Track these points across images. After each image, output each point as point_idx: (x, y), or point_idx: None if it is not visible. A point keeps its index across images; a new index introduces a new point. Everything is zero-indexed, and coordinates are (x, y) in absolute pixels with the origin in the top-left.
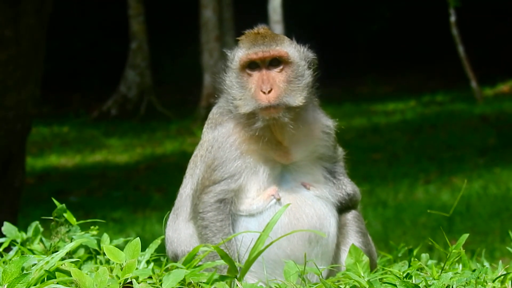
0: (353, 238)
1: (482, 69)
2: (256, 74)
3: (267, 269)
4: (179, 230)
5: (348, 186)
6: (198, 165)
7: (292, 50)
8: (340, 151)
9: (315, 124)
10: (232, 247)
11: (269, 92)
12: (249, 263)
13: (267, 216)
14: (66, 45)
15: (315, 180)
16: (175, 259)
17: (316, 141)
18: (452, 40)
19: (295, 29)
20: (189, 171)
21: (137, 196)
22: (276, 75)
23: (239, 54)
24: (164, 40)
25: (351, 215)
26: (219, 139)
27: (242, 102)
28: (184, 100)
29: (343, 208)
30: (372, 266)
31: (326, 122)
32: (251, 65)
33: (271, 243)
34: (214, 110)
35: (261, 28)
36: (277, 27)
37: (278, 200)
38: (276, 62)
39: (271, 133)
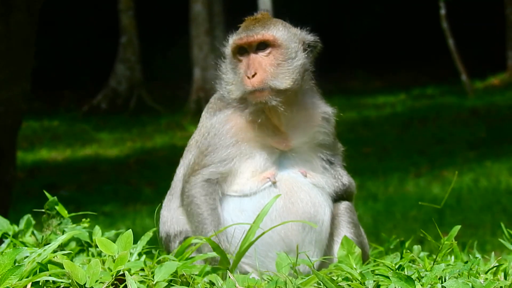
0: (345, 229)
1: (472, 62)
2: (245, 59)
3: (261, 252)
4: (174, 210)
5: (344, 177)
6: (192, 149)
7: (281, 33)
8: (340, 145)
9: (314, 110)
10: (223, 235)
11: (253, 76)
12: (241, 254)
13: (261, 197)
14: (56, 40)
15: (313, 169)
16: (168, 240)
17: (315, 127)
18: (442, 33)
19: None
20: (184, 153)
21: (127, 190)
22: (263, 59)
23: (231, 40)
24: (154, 34)
25: (343, 206)
26: (216, 126)
27: (233, 87)
28: (174, 94)
29: (337, 199)
30: (365, 258)
31: (325, 109)
32: (241, 50)
33: (263, 233)
34: (214, 96)
35: (260, 14)
36: None
37: (274, 183)
38: (263, 45)
39: (267, 118)
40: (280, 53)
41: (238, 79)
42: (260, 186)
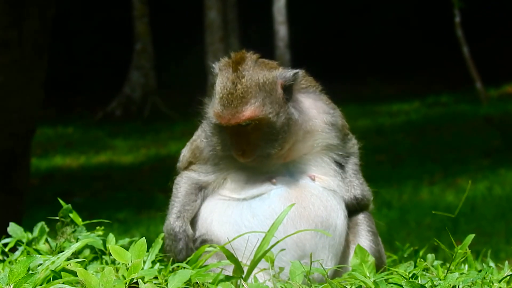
0: (363, 238)
1: (487, 70)
2: (230, 132)
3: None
4: None
5: (357, 189)
6: (188, 146)
7: (259, 106)
8: (353, 143)
9: (315, 119)
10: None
11: (243, 153)
12: (255, 262)
13: (263, 202)
14: (70, 47)
15: (323, 173)
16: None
17: (316, 135)
18: (456, 41)
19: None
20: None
21: (141, 197)
22: (247, 134)
23: (210, 109)
24: (169, 41)
25: (362, 215)
26: (205, 150)
27: (220, 147)
28: (188, 101)
29: (353, 207)
30: (381, 267)
31: (329, 111)
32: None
33: (278, 242)
34: None
35: (235, 76)
36: (281, 28)
37: (274, 183)
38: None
39: None
40: (263, 124)
41: (225, 145)
42: (264, 189)
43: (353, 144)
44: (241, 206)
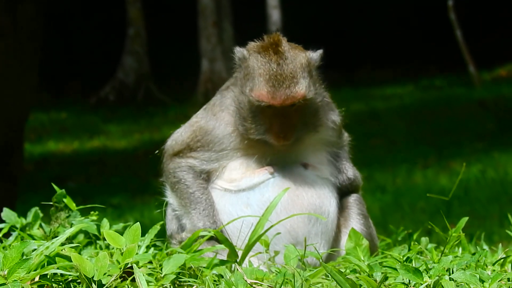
0: (354, 221)
1: (480, 53)
2: (271, 113)
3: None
4: None
5: (349, 170)
6: (188, 129)
7: (308, 88)
8: (346, 136)
9: (322, 121)
10: (217, 220)
11: (284, 136)
12: (249, 246)
13: (258, 191)
14: (63, 32)
15: (317, 162)
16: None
17: (318, 135)
18: (450, 24)
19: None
20: (182, 125)
21: (135, 182)
22: (291, 116)
23: (256, 89)
24: (162, 26)
25: (352, 198)
26: (213, 131)
27: (253, 131)
28: (182, 86)
29: (344, 191)
30: (373, 249)
31: (332, 116)
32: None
33: (271, 226)
34: (217, 100)
35: (277, 57)
36: (274, 13)
37: (272, 173)
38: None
39: None
40: (306, 106)
41: (260, 128)
42: (259, 179)
43: (346, 138)
44: (235, 196)
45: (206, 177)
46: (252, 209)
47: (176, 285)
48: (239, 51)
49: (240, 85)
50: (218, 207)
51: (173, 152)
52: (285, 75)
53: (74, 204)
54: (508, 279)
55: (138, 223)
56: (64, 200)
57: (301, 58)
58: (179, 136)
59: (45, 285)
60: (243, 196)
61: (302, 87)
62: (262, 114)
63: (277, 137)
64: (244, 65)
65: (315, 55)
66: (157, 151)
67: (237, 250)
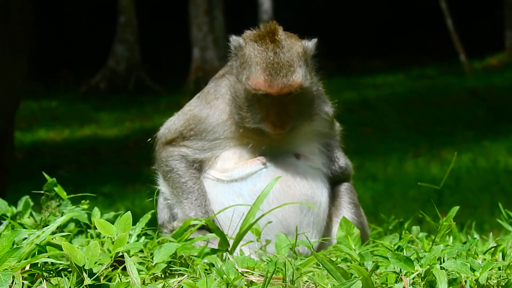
0: (345, 209)
1: (471, 42)
2: (267, 102)
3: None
4: None
5: (341, 159)
6: (181, 117)
7: (304, 77)
8: (337, 126)
9: (316, 111)
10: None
11: (281, 125)
12: (241, 235)
13: (257, 181)
14: (54, 20)
15: (309, 152)
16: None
17: (311, 126)
18: (441, 13)
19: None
20: (176, 114)
21: (126, 171)
22: (287, 105)
23: (253, 78)
24: (153, 14)
25: (343, 187)
26: (208, 120)
27: (249, 119)
28: (173, 75)
29: (335, 180)
30: (364, 238)
31: (325, 109)
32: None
33: (262, 215)
34: (211, 88)
35: (274, 46)
36: (266, 1)
37: (264, 164)
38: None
39: None
40: (302, 95)
41: (256, 116)
42: (252, 170)
43: (337, 128)
44: (227, 186)
45: (199, 166)
46: (244, 200)
47: (167, 274)
48: (235, 39)
49: (236, 74)
50: (210, 197)
51: (166, 140)
52: (282, 64)
53: (65, 193)
54: (499, 268)
55: (129, 212)
56: (55, 188)
57: (297, 47)
58: (172, 124)
59: (36, 274)
60: (235, 186)
61: (299, 76)
62: (259, 103)
63: (273, 126)
64: (240, 54)
65: (311, 44)
66: (149, 139)
67: (228, 239)
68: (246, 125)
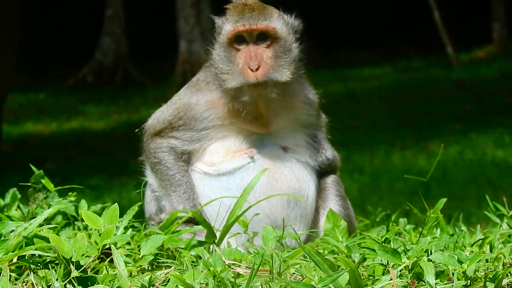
0: (332, 202)
1: (458, 34)
2: (243, 49)
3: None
4: None
5: (328, 151)
6: (170, 108)
7: (280, 24)
8: (323, 117)
9: (297, 96)
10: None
11: (257, 69)
12: (228, 227)
13: (245, 175)
14: (42, 12)
15: (296, 144)
16: (152, 219)
17: (296, 110)
18: (427, 5)
19: None
20: (164, 105)
21: (114, 163)
22: (264, 51)
23: (226, 27)
24: (140, 7)
25: (330, 179)
26: (196, 108)
27: (230, 76)
28: (160, 67)
29: (322, 172)
30: (351, 230)
31: (308, 94)
32: (238, 39)
33: (249, 207)
34: (199, 75)
35: (248, 3)
36: None
37: (251, 158)
38: (263, 36)
39: (256, 107)
40: (279, 45)
41: (235, 69)
42: (239, 164)
43: (323, 119)
44: (215, 180)
45: (187, 158)
46: (231, 193)
47: (154, 266)
48: (218, 18)
49: (216, 40)
50: (197, 190)
51: (154, 131)
52: (256, 7)
53: (52, 185)
54: (487, 260)
55: (116, 204)
56: (42, 181)
57: (280, 12)
58: (161, 114)
59: (23, 266)
60: (223, 180)
61: (273, 20)
62: (236, 55)
63: (250, 73)
64: (220, 28)
65: (295, 21)
66: (137, 130)
67: (215, 232)
68: (229, 85)
